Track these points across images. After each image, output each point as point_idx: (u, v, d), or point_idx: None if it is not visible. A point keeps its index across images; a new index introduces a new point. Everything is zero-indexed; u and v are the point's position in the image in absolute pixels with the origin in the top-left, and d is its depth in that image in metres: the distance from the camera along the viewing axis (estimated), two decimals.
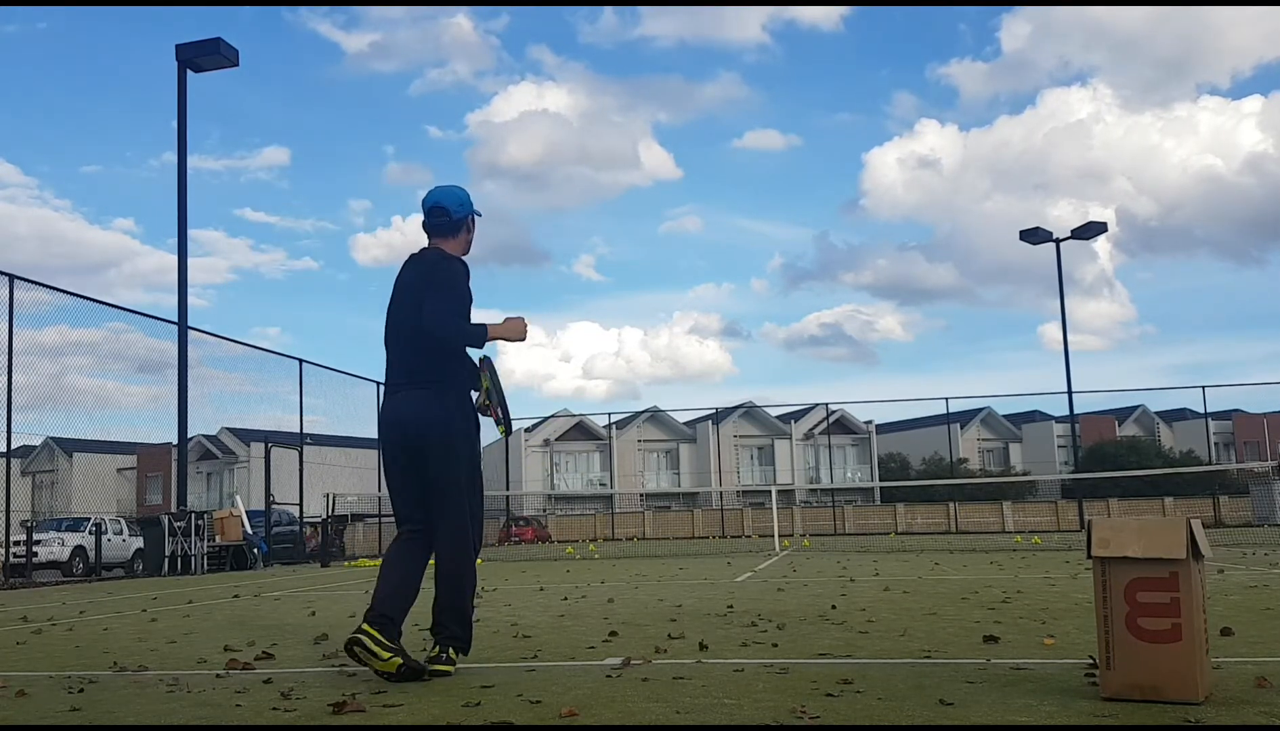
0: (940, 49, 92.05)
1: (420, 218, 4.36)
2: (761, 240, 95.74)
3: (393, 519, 4.27)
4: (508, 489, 46.13)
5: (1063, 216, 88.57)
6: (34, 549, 18.01)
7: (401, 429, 4.09)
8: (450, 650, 4.02)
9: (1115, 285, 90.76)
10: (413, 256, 4.32)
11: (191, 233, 19.47)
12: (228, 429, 43.24)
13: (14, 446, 15.76)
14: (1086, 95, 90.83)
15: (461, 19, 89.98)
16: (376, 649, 3.75)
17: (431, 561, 4.11)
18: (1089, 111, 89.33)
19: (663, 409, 55.95)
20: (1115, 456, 45.22)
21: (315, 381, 24.65)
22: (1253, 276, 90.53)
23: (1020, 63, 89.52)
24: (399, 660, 3.77)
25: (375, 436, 29.04)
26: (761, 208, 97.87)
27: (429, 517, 4.11)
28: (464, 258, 4.32)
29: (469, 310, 4.14)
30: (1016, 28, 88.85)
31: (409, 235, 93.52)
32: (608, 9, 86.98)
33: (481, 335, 4.11)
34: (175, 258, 19.15)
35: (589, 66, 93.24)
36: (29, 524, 18.85)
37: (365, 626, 3.79)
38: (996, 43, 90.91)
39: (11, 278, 15.52)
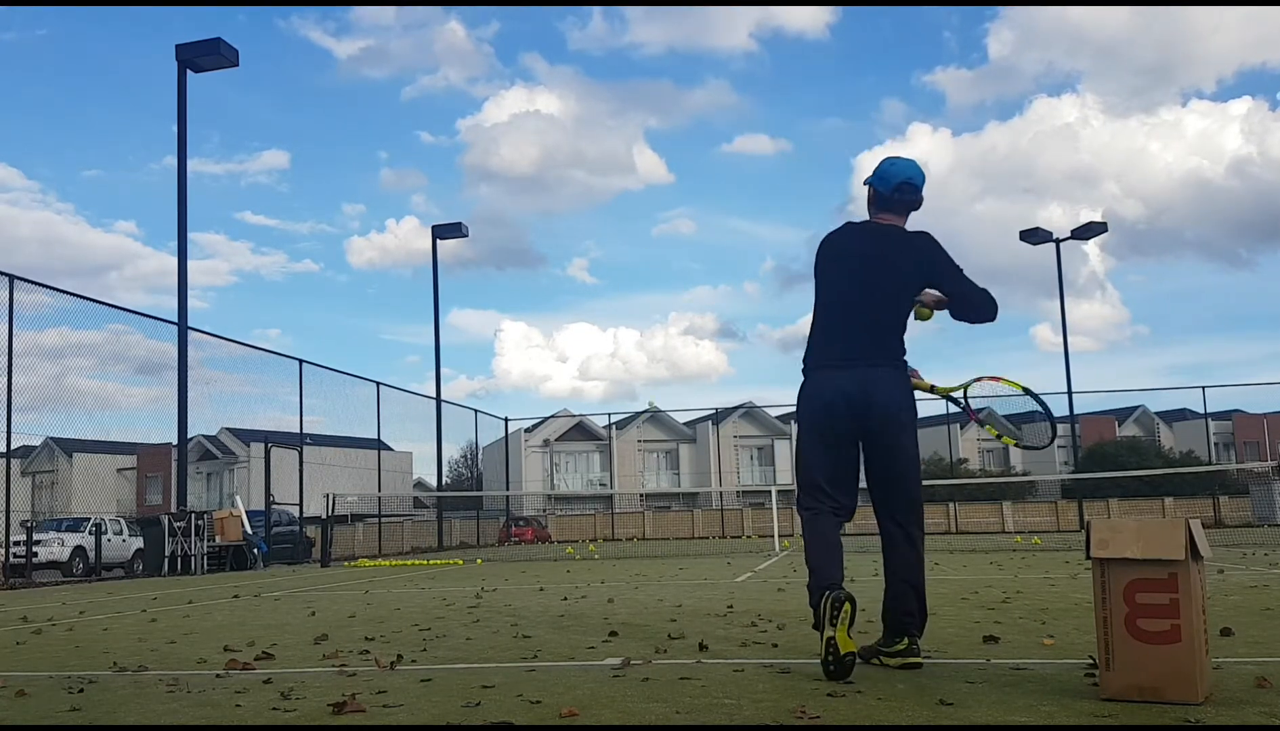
0: (925, 57, 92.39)
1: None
2: (754, 242, 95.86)
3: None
4: (508, 489, 46.12)
5: (1052, 218, 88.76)
6: (34, 549, 17.98)
7: (868, 407, 3.92)
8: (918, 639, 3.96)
9: (1107, 287, 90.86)
10: (865, 226, 4.17)
11: (193, 236, 19.52)
12: (228, 429, 43.20)
13: (14, 446, 15.78)
14: (1073, 100, 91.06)
15: (455, 25, 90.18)
16: (849, 624, 3.61)
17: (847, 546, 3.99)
18: (1076, 116, 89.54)
19: (662, 409, 55.98)
20: (1115, 456, 45.12)
21: (315, 382, 24.66)
22: (1244, 278, 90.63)
23: (1006, 69, 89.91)
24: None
25: (374, 437, 29.04)
26: (753, 210, 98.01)
27: (853, 502, 4.05)
28: None
29: None
30: (1002, 34, 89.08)
31: (402, 238, 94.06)
32: (597, 12, 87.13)
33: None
34: (176, 260, 19.16)
35: (581, 71, 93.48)
36: (29, 524, 18.79)
37: (846, 597, 3.63)
38: (983, 49, 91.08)
39: (11, 278, 15.51)
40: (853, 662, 3.58)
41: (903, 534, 4.08)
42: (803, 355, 4.21)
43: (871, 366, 4.01)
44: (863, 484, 4.18)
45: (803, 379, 4.16)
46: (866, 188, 4.26)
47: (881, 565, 4.18)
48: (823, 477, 3.99)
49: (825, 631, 3.60)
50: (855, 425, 3.97)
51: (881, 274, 4.04)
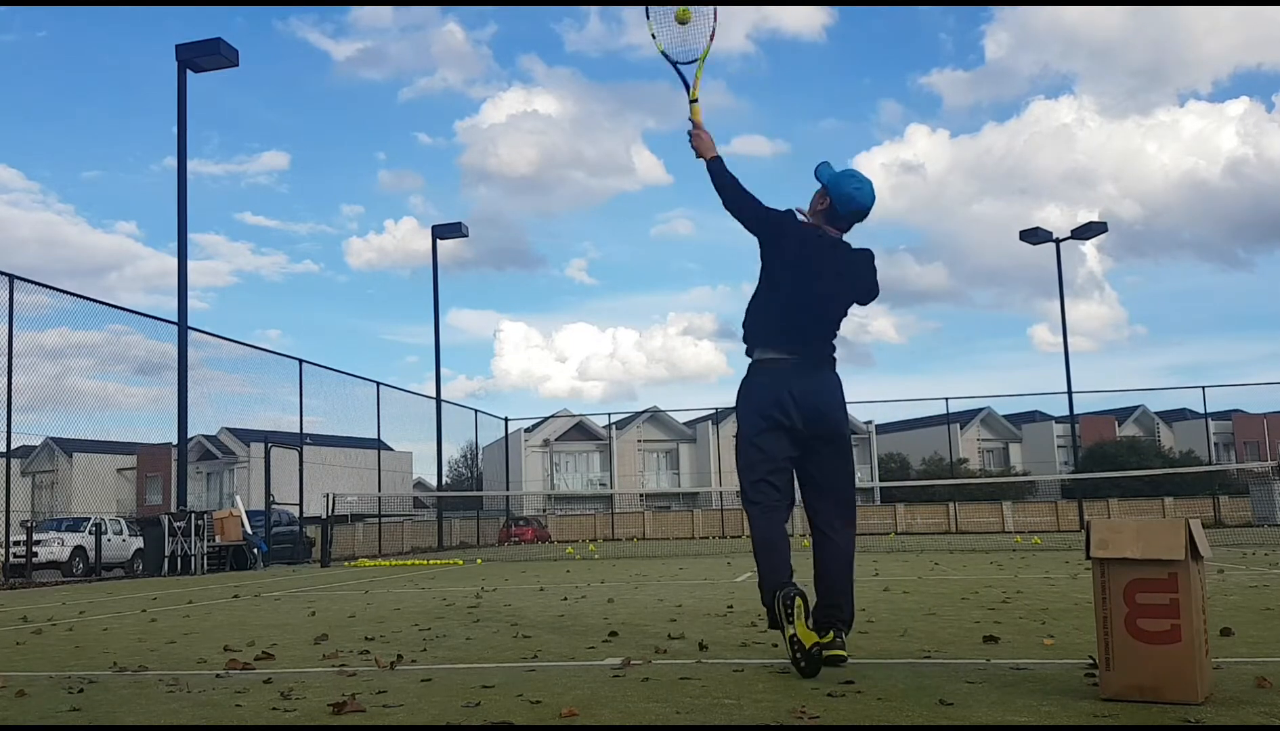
0: (922, 58, 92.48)
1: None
2: (752, 243, 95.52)
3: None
4: (508, 489, 46.11)
5: (1049, 219, 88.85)
6: (34, 549, 17.97)
7: (815, 409, 4.08)
8: (844, 634, 4.06)
9: (1105, 287, 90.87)
10: (822, 234, 4.18)
11: (193, 236, 19.55)
12: (228, 429, 43.18)
13: (14, 446, 15.78)
14: (1069, 101, 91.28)
15: (452, 27, 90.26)
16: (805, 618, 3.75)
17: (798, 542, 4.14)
18: (1072, 117, 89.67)
19: (663, 409, 55.97)
20: (1115, 456, 45.16)
21: (315, 382, 24.66)
22: (1242, 278, 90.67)
23: (1002, 71, 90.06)
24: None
25: (374, 437, 29.02)
26: None
27: (791, 498, 4.21)
28: None
29: None
30: (998, 36, 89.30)
31: (400, 239, 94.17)
32: (594, 14, 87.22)
33: None
34: (176, 260, 19.16)
35: (579, 72, 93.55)
36: (29, 524, 18.78)
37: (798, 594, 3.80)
38: (979, 51, 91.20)
39: (11, 278, 15.51)
40: (819, 655, 3.63)
41: (849, 531, 4.37)
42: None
43: (827, 371, 4.31)
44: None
45: None
46: (825, 194, 4.17)
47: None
48: (766, 470, 4.37)
49: (786, 630, 3.72)
50: (810, 426, 4.23)
51: (836, 283, 4.26)
